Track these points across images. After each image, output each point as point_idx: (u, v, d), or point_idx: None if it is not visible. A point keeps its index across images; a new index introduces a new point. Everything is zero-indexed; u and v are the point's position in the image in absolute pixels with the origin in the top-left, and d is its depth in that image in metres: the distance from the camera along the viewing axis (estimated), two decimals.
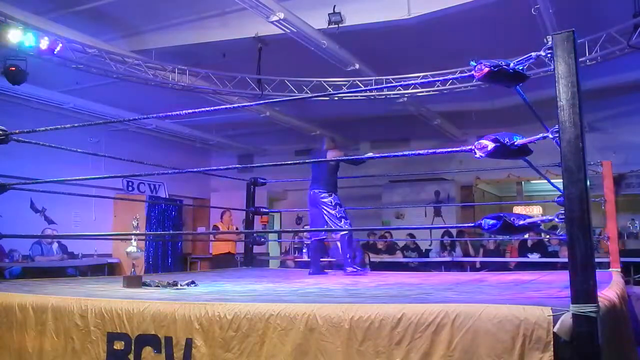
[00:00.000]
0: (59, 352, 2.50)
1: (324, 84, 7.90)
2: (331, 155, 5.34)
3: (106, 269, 9.07)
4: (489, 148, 2.02)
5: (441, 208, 11.40)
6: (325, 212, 5.19)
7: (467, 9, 6.10)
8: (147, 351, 2.29)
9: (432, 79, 6.76)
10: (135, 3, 6.72)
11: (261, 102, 7.85)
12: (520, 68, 2.05)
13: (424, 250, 9.86)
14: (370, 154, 5.27)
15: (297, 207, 11.83)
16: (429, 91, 7.91)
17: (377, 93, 8.10)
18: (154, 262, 10.42)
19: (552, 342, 1.74)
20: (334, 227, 5.18)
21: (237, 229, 9.64)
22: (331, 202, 5.18)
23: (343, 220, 5.15)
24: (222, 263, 8.96)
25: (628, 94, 9.10)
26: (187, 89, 7.93)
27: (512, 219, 2.04)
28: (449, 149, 2.47)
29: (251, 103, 7.68)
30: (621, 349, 2.40)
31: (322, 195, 5.22)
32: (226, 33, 7.11)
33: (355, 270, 5.05)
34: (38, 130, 3.27)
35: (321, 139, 5.64)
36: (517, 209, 11.59)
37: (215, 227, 9.88)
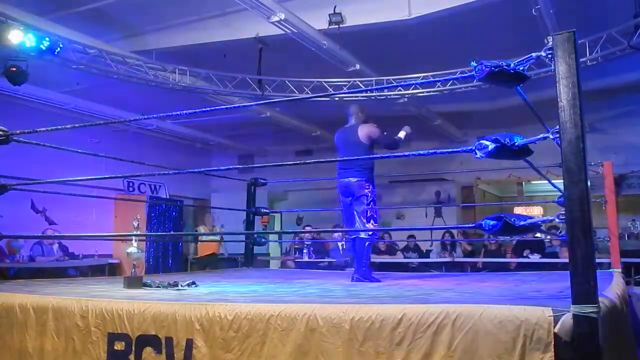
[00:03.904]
0: (60, 352, 2.50)
1: (325, 84, 7.90)
2: (365, 131, 4.41)
3: (107, 270, 9.07)
4: (490, 148, 2.02)
5: (442, 208, 11.40)
6: (356, 205, 4.37)
7: (468, 9, 6.09)
8: (148, 352, 2.29)
9: (432, 80, 6.76)
10: (136, 4, 6.72)
11: (262, 102, 7.86)
12: (520, 68, 2.05)
13: (424, 251, 9.86)
14: (403, 132, 4.58)
15: (298, 207, 11.85)
16: (429, 91, 7.92)
17: (378, 93, 8.10)
18: (154, 262, 10.42)
19: (552, 343, 1.75)
20: (359, 226, 4.34)
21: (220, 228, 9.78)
22: (368, 197, 4.33)
23: (372, 221, 4.34)
24: (208, 264, 9.05)
25: (629, 94, 9.10)
26: (188, 89, 7.93)
27: (512, 219, 2.04)
28: (450, 150, 2.47)
29: (252, 103, 7.68)
30: (621, 349, 2.40)
31: (363, 185, 4.34)
32: (227, 33, 7.11)
33: (364, 280, 4.20)
34: (39, 130, 3.28)
35: (347, 109, 4.69)
36: (518, 210, 11.58)
37: (198, 231, 10.09)
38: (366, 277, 4.26)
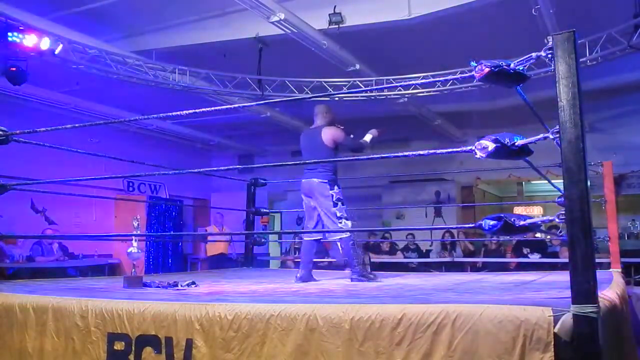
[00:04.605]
0: (60, 352, 2.50)
1: (325, 84, 7.90)
2: (329, 134, 4.34)
3: (107, 270, 9.08)
4: (490, 148, 2.02)
5: (441, 208, 11.40)
6: (323, 207, 4.31)
7: (468, 9, 6.09)
8: (148, 352, 2.29)
9: (432, 80, 6.76)
10: (135, 3, 6.72)
11: (262, 102, 7.86)
12: (520, 68, 2.05)
13: (424, 251, 9.86)
14: (369, 134, 4.51)
15: (298, 207, 11.84)
16: (429, 91, 7.91)
17: (378, 93, 8.10)
18: (154, 262, 10.43)
19: (552, 343, 1.75)
20: (332, 228, 4.27)
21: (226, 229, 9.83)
22: (333, 197, 4.26)
23: (344, 220, 4.24)
24: (217, 263, 9.08)
25: (628, 94, 9.10)
26: (188, 89, 7.93)
27: (512, 219, 2.04)
28: (450, 150, 2.47)
29: (252, 103, 7.69)
30: (621, 349, 2.40)
31: (326, 187, 4.28)
32: (227, 33, 7.11)
33: (362, 279, 4.17)
34: (38, 130, 3.28)
35: (313, 110, 4.61)
36: (518, 210, 11.58)
37: (207, 231, 10.13)
38: (364, 275, 4.24)
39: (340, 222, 4.24)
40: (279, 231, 13.13)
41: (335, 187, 4.32)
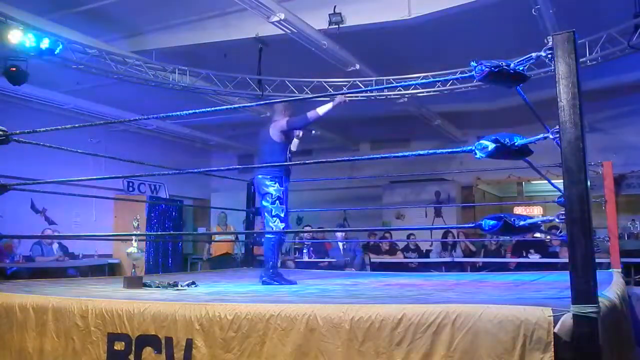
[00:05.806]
0: (60, 352, 2.50)
1: (325, 84, 7.90)
2: (276, 127, 4.25)
3: (107, 270, 9.08)
4: (490, 148, 2.02)
5: (441, 209, 11.40)
6: (264, 204, 4.22)
7: (468, 9, 6.09)
8: (148, 352, 2.29)
9: (432, 80, 6.74)
10: (135, 3, 6.71)
11: (262, 102, 7.85)
12: (520, 68, 2.05)
13: (424, 251, 9.86)
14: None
15: (298, 207, 11.84)
16: (429, 91, 7.91)
17: (378, 93, 8.09)
18: (154, 262, 10.43)
19: (552, 343, 1.75)
20: (266, 227, 4.22)
21: (233, 228, 9.82)
22: (272, 195, 4.16)
23: (278, 220, 4.16)
24: (221, 264, 9.08)
25: (628, 94, 9.10)
26: (188, 89, 7.93)
27: (512, 219, 2.04)
28: (450, 150, 2.47)
29: (252, 103, 7.67)
30: (621, 349, 2.40)
31: (266, 183, 4.18)
32: (227, 33, 7.11)
33: (272, 282, 4.01)
34: (38, 130, 3.28)
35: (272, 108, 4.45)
36: (518, 210, 11.57)
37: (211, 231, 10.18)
38: (274, 279, 4.04)
39: (274, 222, 4.15)
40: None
41: (277, 185, 4.18)
